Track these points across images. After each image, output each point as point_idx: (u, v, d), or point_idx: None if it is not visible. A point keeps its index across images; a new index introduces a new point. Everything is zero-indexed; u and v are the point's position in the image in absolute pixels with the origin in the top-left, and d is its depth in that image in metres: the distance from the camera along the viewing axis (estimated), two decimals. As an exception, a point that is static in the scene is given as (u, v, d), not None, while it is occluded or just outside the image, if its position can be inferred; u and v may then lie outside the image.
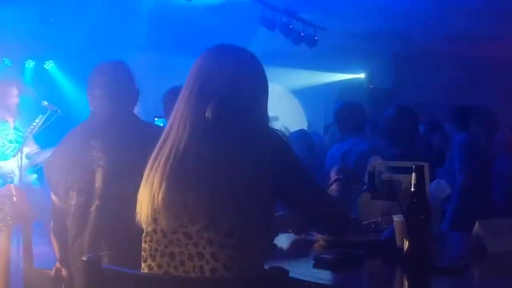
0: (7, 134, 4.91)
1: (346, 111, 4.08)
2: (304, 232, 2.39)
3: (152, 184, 1.71)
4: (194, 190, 1.65)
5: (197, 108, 1.74)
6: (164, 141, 1.77)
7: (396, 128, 4.00)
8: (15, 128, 5.00)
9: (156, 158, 1.75)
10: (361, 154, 3.69)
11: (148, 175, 1.74)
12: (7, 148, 4.89)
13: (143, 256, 1.75)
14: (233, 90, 1.74)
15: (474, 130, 4.35)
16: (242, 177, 1.66)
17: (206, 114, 1.71)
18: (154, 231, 1.72)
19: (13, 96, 4.99)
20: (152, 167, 1.75)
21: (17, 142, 4.92)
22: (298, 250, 2.31)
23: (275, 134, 1.76)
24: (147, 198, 1.71)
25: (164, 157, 1.72)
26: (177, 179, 1.69)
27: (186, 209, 1.66)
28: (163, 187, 1.69)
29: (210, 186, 1.65)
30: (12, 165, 4.84)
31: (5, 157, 4.84)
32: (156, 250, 1.71)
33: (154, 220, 1.71)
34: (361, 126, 4.09)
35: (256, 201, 1.69)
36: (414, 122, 4.09)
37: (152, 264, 1.72)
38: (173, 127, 1.77)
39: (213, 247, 1.63)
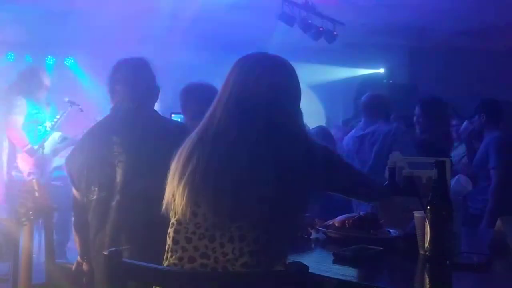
0: (39, 121, 4.98)
1: (375, 101, 4.12)
2: (301, 232, 2.38)
3: (195, 171, 1.74)
4: (243, 181, 1.70)
5: (235, 114, 1.79)
6: (204, 137, 1.80)
7: (421, 122, 4.04)
8: (48, 118, 5.08)
9: (195, 149, 1.78)
10: (387, 134, 3.74)
11: (188, 164, 1.76)
12: (43, 133, 4.96)
13: (174, 238, 1.77)
14: (271, 98, 1.81)
15: (504, 125, 4.32)
16: (285, 173, 1.72)
17: (249, 122, 1.77)
18: (194, 213, 1.74)
19: (47, 78, 5.11)
20: (192, 157, 1.77)
21: (43, 134, 4.99)
22: (314, 246, 2.31)
23: (309, 137, 1.88)
24: (187, 183, 1.74)
25: (209, 149, 1.76)
26: (226, 169, 1.72)
27: (235, 196, 1.69)
28: (209, 177, 1.73)
29: (260, 179, 1.70)
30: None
31: (37, 141, 4.92)
32: (193, 232, 1.74)
33: (195, 203, 1.74)
34: (387, 117, 4.13)
35: (300, 193, 1.78)
36: (438, 114, 4.07)
37: (187, 246, 1.74)
38: (209, 128, 1.81)
39: (256, 231, 1.69)
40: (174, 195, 1.78)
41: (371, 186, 2.13)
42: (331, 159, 1.90)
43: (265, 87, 1.81)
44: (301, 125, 1.90)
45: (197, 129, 1.85)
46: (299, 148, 1.78)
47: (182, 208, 1.75)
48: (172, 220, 1.80)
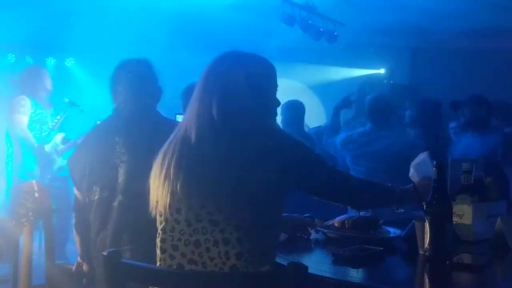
0: (42, 121, 4.97)
1: (378, 104, 4.06)
2: (300, 233, 2.37)
3: (171, 177, 1.76)
4: (220, 180, 1.72)
5: (204, 106, 1.82)
6: (175, 136, 1.85)
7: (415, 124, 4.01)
8: (50, 118, 5.07)
9: (167, 152, 1.82)
10: (407, 147, 3.69)
11: (162, 168, 1.80)
12: (44, 132, 4.95)
13: (161, 247, 1.79)
14: (232, 91, 1.83)
15: (500, 124, 4.32)
16: (257, 168, 1.74)
17: (213, 112, 1.79)
18: (177, 221, 1.76)
19: (48, 79, 5.07)
20: (164, 160, 1.81)
21: (47, 134, 4.99)
22: (314, 246, 2.30)
23: (277, 130, 1.90)
24: (166, 190, 1.77)
25: (177, 151, 1.79)
26: (199, 170, 1.75)
27: (212, 197, 1.72)
28: (182, 178, 1.75)
29: (235, 176, 1.72)
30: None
31: (42, 140, 4.91)
32: (179, 239, 1.75)
33: (177, 210, 1.76)
34: (390, 118, 4.09)
35: (276, 190, 1.78)
36: (435, 116, 4.05)
37: (175, 253, 1.76)
38: (182, 125, 1.86)
39: (239, 233, 1.70)
40: (157, 194, 1.80)
41: (354, 192, 2.02)
42: (304, 155, 1.86)
43: (221, 82, 1.83)
44: (263, 118, 1.86)
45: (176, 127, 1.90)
46: (261, 141, 1.78)
47: (166, 215, 1.77)
48: (158, 230, 1.82)
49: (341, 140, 4.06)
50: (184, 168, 1.76)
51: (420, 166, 2.27)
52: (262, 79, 1.90)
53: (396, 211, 2.17)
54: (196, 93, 1.87)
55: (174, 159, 1.78)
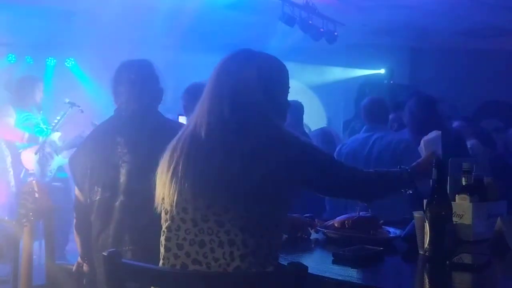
0: (33, 122, 5.00)
1: (373, 105, 4.09)
2: (300, 233, 2.36)
3: (179, 175, 1.75)
4: (227, 181, 1.71)
5: (215, 103, 1.81)
6: (183, 133, 1.84)
7: (417, 118, 3.96)
8: (41, 121, 5.11)
9: (175, 149, 1.81)
10: (399, 143, 3.70)
11: (170, 165, 1.79)
12: (37, 132, 4.99)
13: (165, 245, 1.78)
14: (244, 88, 1.81)
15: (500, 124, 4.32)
16: (265, 170, 1.72)
17: (224, 109, 1.78)
18: (183, 220, 1.75)
19: (40, 91, 5.16)
20: (172, 157, 1.79)
21: (40, 132, 5.01)
22: (314, 246, 2.30)
23: (286, 130, 1.85)
24: (174, 188, 1.76)
25: (186, 148, 1.78)
26: (207, 170, 1.74)
27: (219, 198, 1.71)
28: (192, 178, 1.74)
29: (243, 177, 1.71)
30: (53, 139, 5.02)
31: (37, 140, 4.95)
32: (184, 239, 1.75)
33: (184, 209, 1.75)
34: (386, 119, 4.11)
35: (284, 192, 1.77)
36: (435, 112, 4.03)
37: (179, 253, 1.75)
38: (191, 123, 1.85)
39: (244, 234, 1.70)
40: (163, 191, 1.79)
41: (364, 185, 1.98)
42: (314, 155, 1.85)
43: (232, 79, 1.82)
44: (273, 119, 1.84)
45: (184, 126, 1.90)
46: (270, 143, 1.77)
47: (172, 214, 1.77)
48: (163, 228, 1.81)
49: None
50: (193, 167, 1.75)
51: (429, 143, 2.26)
52: (274, 78, 1.89)
53: (406, 192, 2.14)
54: (207, 90, 1.85)
55: (182, 157, 1.77)
